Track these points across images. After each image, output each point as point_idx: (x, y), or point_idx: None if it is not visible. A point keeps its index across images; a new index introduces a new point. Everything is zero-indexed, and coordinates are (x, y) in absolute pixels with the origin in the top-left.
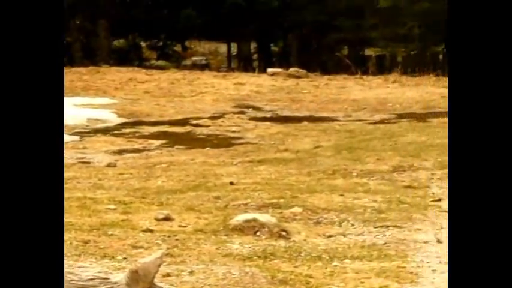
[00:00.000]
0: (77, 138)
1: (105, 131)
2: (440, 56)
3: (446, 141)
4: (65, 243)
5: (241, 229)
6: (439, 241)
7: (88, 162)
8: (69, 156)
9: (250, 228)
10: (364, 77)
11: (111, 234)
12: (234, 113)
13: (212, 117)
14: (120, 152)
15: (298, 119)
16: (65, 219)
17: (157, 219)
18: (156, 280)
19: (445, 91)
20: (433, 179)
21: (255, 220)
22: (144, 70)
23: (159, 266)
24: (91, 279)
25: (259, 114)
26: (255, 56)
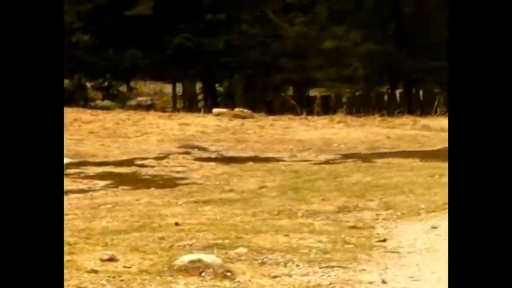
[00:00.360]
0: None
1: None
2: (385, 97)
3: (391, 181)
4: None
5: (186, 270)
6: (383, 281)
7: None
8: None
9: (195, 268)
10: (309, 117)
11: None
12: (179, 153)
13: (157, 158)
14: (65, 192)
15: (244, 160)
16: None
17: (102, 260)
18: None
19: (390, 131)
20: (378, 219)
21: (200, 261)
22: (89, 110)
23: None
24: None
25: (205, 155)
26: (200, 96)
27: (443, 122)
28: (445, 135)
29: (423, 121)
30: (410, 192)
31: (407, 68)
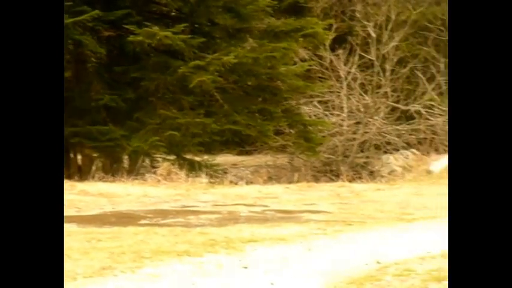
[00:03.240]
0: None
1: None
2: None
3: None
4: None
5: None
6: None
7: None
8: None
9: None
10: None
11: None
12: None
13: None
14: None
15: None
16: None
17: None
18: None
19: None
20: None
21: None
22: None
23: None
24: None
25: None
26: None
27: (101, 186)
28: (103, 199)
29: (81, 186)
30: (67, 257)
31: (64, 132)
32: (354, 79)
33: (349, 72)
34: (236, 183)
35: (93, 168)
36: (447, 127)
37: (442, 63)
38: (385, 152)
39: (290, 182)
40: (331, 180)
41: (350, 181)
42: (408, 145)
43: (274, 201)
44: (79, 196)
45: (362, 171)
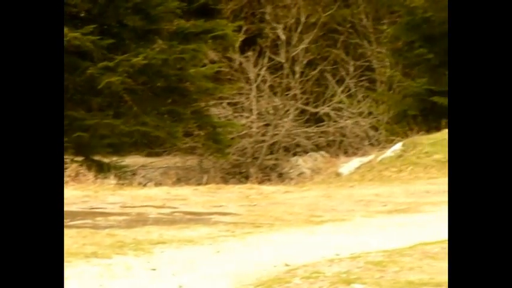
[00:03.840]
0: None
1: None
2: None
3: None
4: None
5: None
6: None
7: None
8: None
9: None
10: None
11: None
12: None
13: None
14: None
15: None
16: None
17: None
18: None
19: None
20: None
21: None
22: None
23: None
24: None
25: None
26: None
27: None
28: None
29: None
30: None
31: None
32: (264, 81)
33: (258, 75)
34: (145, 185)
35: None
36: (356, 129)
37: (351, 65)
38: (294, 154)
39: (199, 184)
40: (240, 182)
41: (259, 183)
42: (317, 147)
43: (182, 203)
44: None
45: (271, 173)
